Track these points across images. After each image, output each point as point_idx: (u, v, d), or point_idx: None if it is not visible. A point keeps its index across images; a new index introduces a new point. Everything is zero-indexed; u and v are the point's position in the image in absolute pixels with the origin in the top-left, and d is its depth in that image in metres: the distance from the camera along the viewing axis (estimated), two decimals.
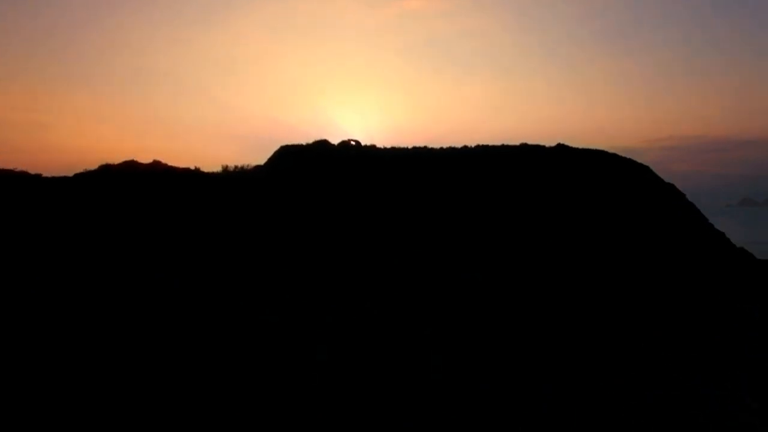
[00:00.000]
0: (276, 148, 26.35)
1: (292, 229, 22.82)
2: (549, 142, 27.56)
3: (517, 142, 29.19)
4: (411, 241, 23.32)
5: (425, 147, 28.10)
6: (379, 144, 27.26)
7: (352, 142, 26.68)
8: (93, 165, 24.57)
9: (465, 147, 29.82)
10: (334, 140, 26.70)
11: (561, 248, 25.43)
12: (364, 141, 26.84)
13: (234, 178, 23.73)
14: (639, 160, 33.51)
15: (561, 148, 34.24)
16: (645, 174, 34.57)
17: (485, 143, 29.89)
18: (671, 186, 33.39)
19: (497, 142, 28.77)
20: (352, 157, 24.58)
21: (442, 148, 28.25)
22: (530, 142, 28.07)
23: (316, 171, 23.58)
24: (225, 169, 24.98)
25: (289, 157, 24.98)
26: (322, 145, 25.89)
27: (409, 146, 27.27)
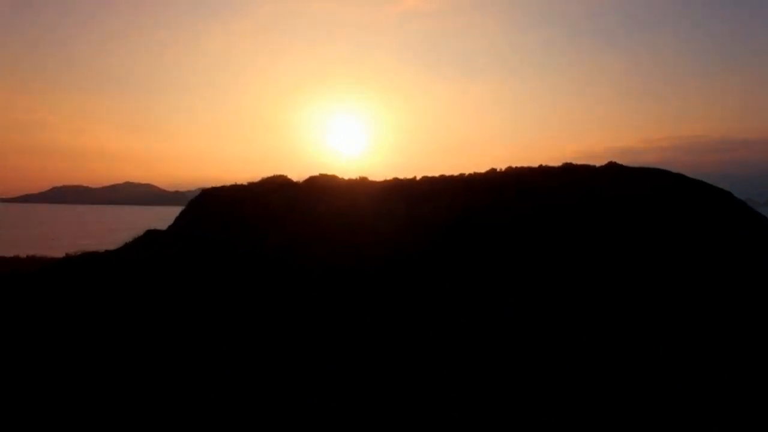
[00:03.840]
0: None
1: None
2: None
3: (558, 162, 21.34)
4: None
5: (442, 176, 20.09)
6: (379, 167, 19.33)
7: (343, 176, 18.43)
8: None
9: (492, 170, 21.94)
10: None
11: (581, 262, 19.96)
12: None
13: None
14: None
15: (613, 167, 26.79)
16: (722, 199, 26.80)
17: (517, 165, 21.91)
18: (761, 217, 25.47)
19: (523, 161, 20.99)
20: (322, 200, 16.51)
21: (462, 175, 20.24)
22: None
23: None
24: (67, 256, 16.79)
25: (203, 212, 16.86)
26: (274, 185, 17.76)
27: (418, 175, 19.20)
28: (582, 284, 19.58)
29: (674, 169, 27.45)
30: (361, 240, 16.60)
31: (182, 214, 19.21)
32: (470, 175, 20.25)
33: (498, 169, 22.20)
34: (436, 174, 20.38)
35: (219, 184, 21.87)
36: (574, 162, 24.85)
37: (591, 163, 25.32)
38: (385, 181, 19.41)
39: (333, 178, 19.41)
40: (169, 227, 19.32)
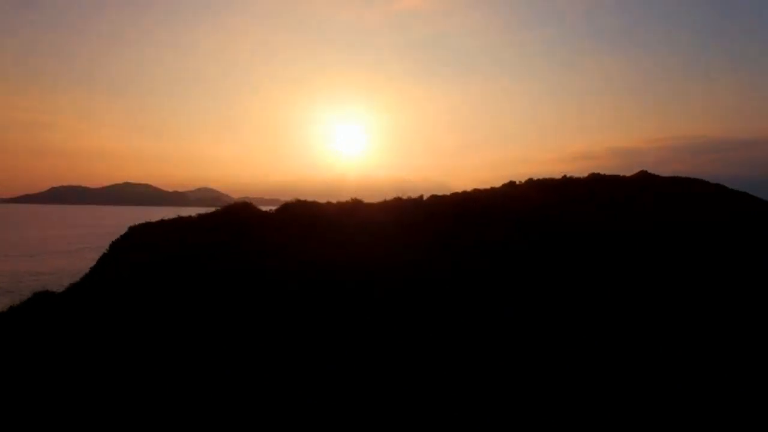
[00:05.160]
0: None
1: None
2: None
3: (560, 162, 18.34)
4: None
5: (454, 194, 17.04)
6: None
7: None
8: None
9: (511, 182, 18.99)
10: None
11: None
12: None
13: None
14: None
15: (644, 176, 24.00)
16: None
17: (538, 176, 18.95)
18: None
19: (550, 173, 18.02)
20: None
21: (476, 190, 17.19)
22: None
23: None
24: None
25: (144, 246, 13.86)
26: (233, 215, 14.64)
27: (419, 179, 16.10)
28: (583, 287, 17.27)
29: (675, 169, 26.18)
30: (357, 243, 13.70)
31: (107, 256, 16.19)
32: (487, 190, 17.06)
33: (517, 182, 19.06)
34: (439, 177, 17.50)
35: (218, 185, 18.96)
36: (574, 161, 21.97)
37: (591, 162, 22.45)
38: (385, 203, 15.98)
39: (313, 205, 15.41)
40: (96, 269, 16.43)
